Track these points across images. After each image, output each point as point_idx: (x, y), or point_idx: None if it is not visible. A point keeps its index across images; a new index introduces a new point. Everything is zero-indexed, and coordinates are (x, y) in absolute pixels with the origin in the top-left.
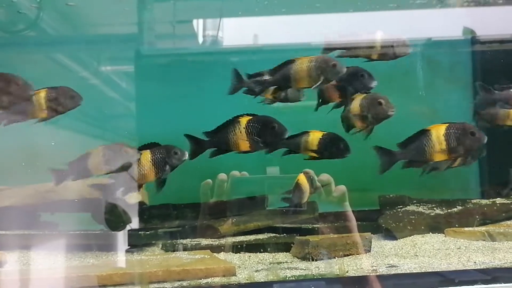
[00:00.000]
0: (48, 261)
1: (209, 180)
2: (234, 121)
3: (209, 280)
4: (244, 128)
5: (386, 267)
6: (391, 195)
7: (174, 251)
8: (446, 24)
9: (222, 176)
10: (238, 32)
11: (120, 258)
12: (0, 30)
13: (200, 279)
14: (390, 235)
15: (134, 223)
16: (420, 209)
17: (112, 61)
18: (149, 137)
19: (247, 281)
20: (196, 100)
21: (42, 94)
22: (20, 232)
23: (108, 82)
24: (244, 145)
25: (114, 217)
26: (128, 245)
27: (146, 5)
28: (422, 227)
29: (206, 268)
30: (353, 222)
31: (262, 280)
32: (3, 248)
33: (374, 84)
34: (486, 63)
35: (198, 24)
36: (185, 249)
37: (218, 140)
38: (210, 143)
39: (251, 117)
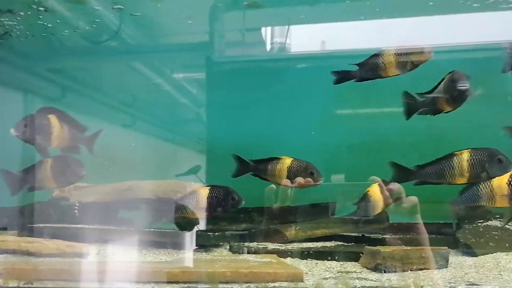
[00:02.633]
0: (125, 255)
1: (273, 186)
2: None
3: (276, 284)
4: (286, 168)
5: (466, 284)
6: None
7: (241, 253)
8: None
9: (287, 182)
10: (305, 39)
11: (190, 257)
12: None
13: (268, 282)
14: (468, 251)
15: (203, 224)
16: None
17: (184, 68)
18: (217, 142)
19: None
20: (265, 106)
21: None
22: (100, 227)
23: (179, 88)
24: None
25: (183, 218)
26: (196, 245)
27: (217, 15)
28: (507, 244)
29: (274, 272)
30: (425, 235)
31: None
32: (85, 241)
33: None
34: None
35: (266, 31)
36: (251, 252)
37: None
38: (253, 168)
39: (293, 160)
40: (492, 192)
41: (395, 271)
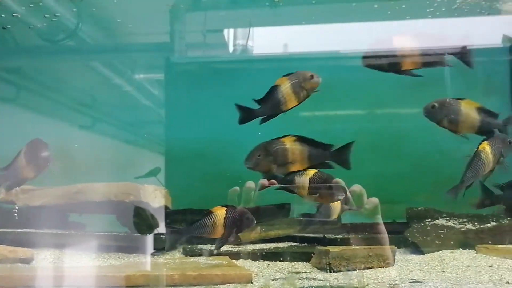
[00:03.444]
0: (72, 260)
1: (237, 188)
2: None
3: (225, 286)
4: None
5: (410, 282)
6: (419, 208)
7: (194, 255)
8: (485, 32)
9: (250, 184)
10: (268, 41)
11: (140, 261)
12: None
13: (216, 284)
14: (416, 249)
15: (162, 227)
16: (450, 223)
17: (145, 69)
18: (177, 143)
19: None
20: (224, 107)
21: None
22: (49, 231)
23: (141, 89)
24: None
25: (142, 221)
26: (154, 249)
27: (177, 15)
28: (452, 243)
29: (222, 273)
30: (385, 235)
31: None
32: (32, 246)
33: None
34: None
35: (229, 33)
36: (205, 255)
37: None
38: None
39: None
40: None
41: (342, 270)
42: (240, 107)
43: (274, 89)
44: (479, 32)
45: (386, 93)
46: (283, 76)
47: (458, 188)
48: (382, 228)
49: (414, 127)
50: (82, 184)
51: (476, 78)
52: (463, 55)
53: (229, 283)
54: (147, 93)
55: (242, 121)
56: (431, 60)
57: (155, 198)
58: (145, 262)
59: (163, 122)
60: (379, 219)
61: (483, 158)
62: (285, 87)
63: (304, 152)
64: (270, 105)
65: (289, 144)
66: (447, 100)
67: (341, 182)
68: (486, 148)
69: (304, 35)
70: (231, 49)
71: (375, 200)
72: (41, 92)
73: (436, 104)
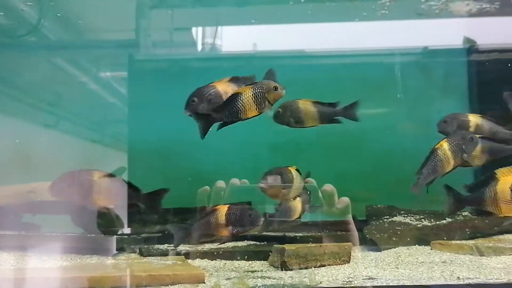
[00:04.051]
0: (21, 262)
1: (207, 187)
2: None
3: (176, 286)
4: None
5: (363, 279)
6: (378, 205)
7: (149, 256)
8: (446, 34)
9: (221, 183)
10: (237, 40)
11: (91, 262)
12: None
13: (167, 285)
14: (374, 246)
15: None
16: (407, 220)
17: (111, 66)
18: (140, 142)
19: None
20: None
21: None
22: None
23: (107, 87)
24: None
25: (106, 222)
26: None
27: (143, 12)
28: (408, 239)
29: (173, 274)
30: (355, 233)
31: None
32: None
33: None
34: (483, 72)
35: (197, 32)
36: (161, 254)
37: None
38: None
39: None
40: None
41: (299, 269)
42: (198, 115)
43: (235, 96)
44: (440, 33)
45: (348, 93)
46: (248, 85)
47: (417, 185)
48: (353, 226)
49: (375, 127)
50: (36, 183)
51: (435, 78)
52: None
53: (180, 284)
54: (113, 91)
55: (204, 129)
56: None
57: None
58: (96, 263)
59: (126, 121)
60: (350, 218)
61: (439, 155)
62: (247, 96)
63: None
64: (228, 112)
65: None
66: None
67: (313, 181)
68: (444, 145)
69: (272, 34)
70: (199, 47)
71: (346, 199)
72: (2, 90)
73: None
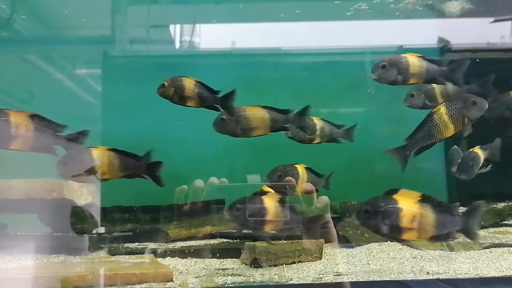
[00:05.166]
0: None
1: (185, 186)
2: None
3: (143, 285)
4: None
5: (334, 275)
6: (352, 202)
7: (119, 255)
8: (419, 34)
9: (199, 182)
10: (215, 38)
11: (57, 261)
12: None
13: (134, 284)
14: (347, 243)
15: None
16: None
17: (87, 63)
18: (114, 139)
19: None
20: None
21: None
22: None
23: (81, 84)
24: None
25: (80, 221)
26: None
27: (120, 9)
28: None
29: (140, 272)
30: (334, 232)
31: (198, 287)
32: None
33: None
34: None
35: (175, 29)
36: (130, 253)
37: None
38: None
39: None
40: None
41: (269, 266)
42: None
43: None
44: (416, 33)
45: (323, 91)
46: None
47: (406, 149)
48: (332, 225)
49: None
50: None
51: None
52: None
53: (147, 282)
54: (88, 87)
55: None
56: None
57: (81, 195)
58: (62, 263)
59: (101, 118)
60: (329, 218)
61: (435, 119)
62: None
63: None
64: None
65: None
66: None
67: (293, 180)
68: (441, 109)
69: (250, 32)
70: (177, 45)
71: (325, 198)
72: None
73: None
